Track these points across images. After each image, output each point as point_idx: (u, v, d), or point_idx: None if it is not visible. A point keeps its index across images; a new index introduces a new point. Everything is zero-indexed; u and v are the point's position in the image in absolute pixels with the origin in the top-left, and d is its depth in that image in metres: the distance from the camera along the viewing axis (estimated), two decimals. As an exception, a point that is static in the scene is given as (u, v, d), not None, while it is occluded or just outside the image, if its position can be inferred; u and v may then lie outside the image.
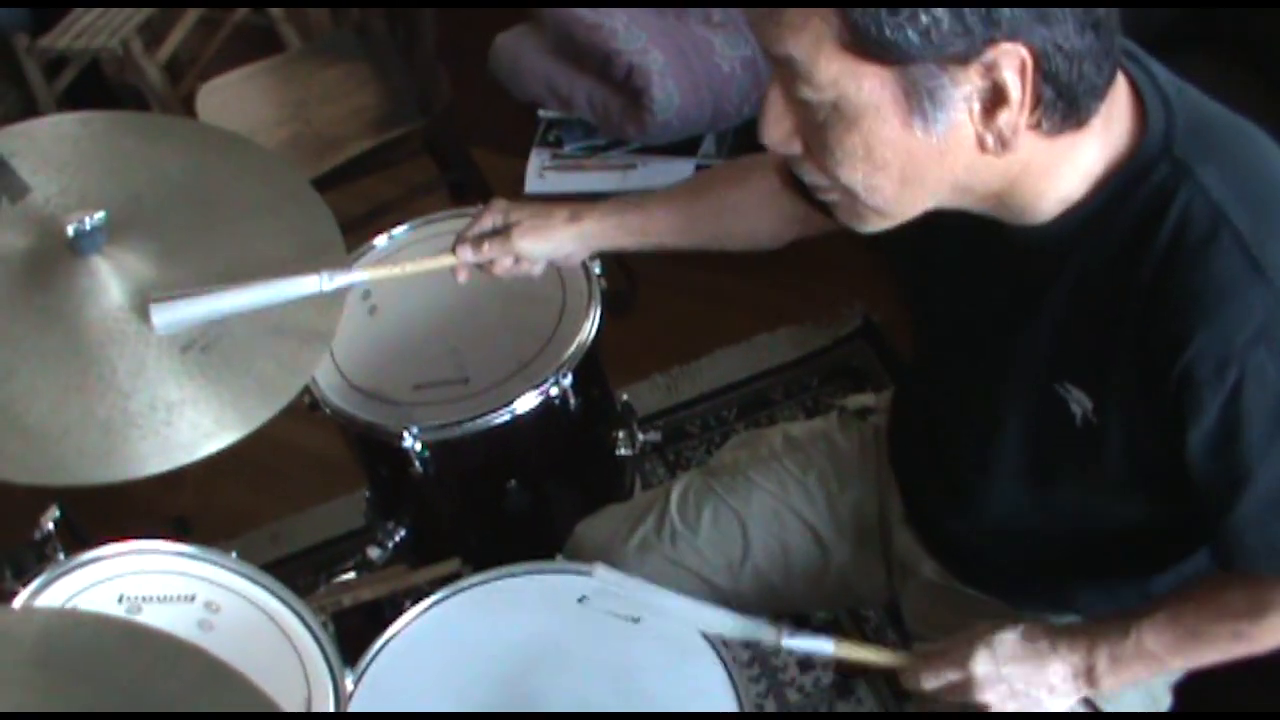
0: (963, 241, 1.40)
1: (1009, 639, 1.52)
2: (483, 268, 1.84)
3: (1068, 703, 1.54)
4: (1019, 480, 1.57)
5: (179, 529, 2.90)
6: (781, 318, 3.20)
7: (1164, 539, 1.57)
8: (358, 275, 1.77)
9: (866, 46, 1.17)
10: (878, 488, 1.89)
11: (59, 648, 1.19)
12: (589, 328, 2.05)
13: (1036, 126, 1.24)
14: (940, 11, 1.14)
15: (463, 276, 1.85)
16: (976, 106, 1.22)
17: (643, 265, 3.30)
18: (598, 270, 2.12)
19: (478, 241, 1.81)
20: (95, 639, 1.20)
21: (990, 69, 1.18)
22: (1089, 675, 1.49)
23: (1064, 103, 1.23)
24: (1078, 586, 1.66)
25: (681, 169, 3.03)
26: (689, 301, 3.29)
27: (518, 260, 1.83)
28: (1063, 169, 1.31)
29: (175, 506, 2.97)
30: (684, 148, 3.03)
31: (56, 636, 1.20)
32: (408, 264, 1.83)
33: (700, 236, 1.88)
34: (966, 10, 1.15)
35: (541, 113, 3.15)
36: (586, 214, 1.83)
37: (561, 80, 3.03)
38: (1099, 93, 1.25)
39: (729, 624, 1.64)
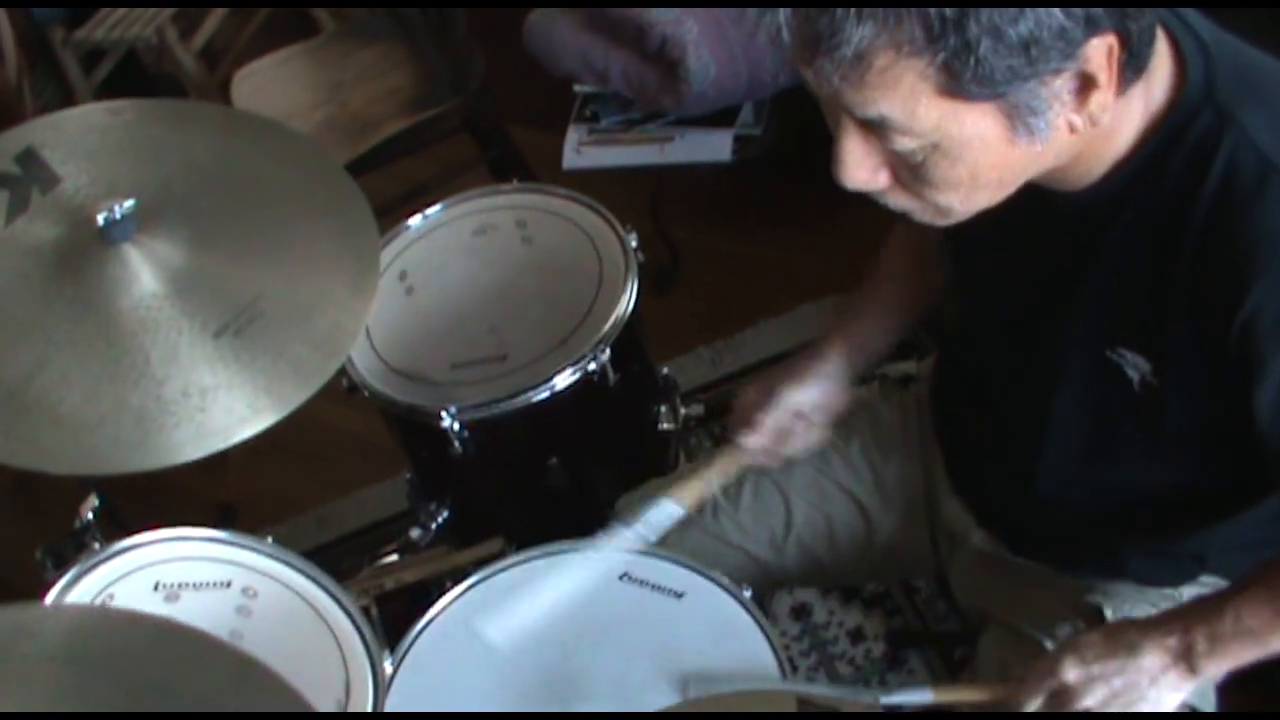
0: (1007, 211, 1.36)
1: (1094, 638, 1.47)
2: (776, 449, 1.77)
3: (1176, 696, 1.46)
4: (1075, 447, 1.55)
5: (225, 516, 2.91)
6: (825, 288, 3.16)
7: (1216, 499, 1.53)
8: (672, 509, 1.74)
9: (968, 88, 1.16)
10: (922, 457, 1.86)
11: (89, 645, 1.18)
12: (626, 301, 2.03)
13: (1119, 91, 1.23)
14: (1044, 33, 1.13)
15: (766, 460, 1.79)
16: (1069, 99, 1.21)
17: (684, 239, 3.29)
18: (634, 243, 2.10)
19: (753, 425, 1.75)
20: (125, 636, 1.20)
21: (1082, 64, 1.17)
22: (1188, 657, 1.42)
23: (1136, 61, 1.22)
24: (1129, 551, 1.63)
25: (719, 140, 3.00)
26: (732, 274, 3.27)
27: (798, 419, 1.76)
28: (1122, 126, 1.29)
29: (220, 494, 2.98)
30: (721, 118, 3.00)
31: (86, 633, 1.20)
32: (710, 473, 1.77)
33: (924, 304, 1.84)
34: (1066, 21, 1.14)
35: (577, 88, 3.13)
36: (831, 345, 1.79)
37: (596, 54, 3.00)
38: (1155, 36, 1.24)
39: (826, 693, 1.64)
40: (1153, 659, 1.43)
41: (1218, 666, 1.43)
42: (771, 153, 3.03)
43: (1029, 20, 1.12)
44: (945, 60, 1.14)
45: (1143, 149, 1.30)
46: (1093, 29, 1.15)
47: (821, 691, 1.62)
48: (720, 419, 2.96)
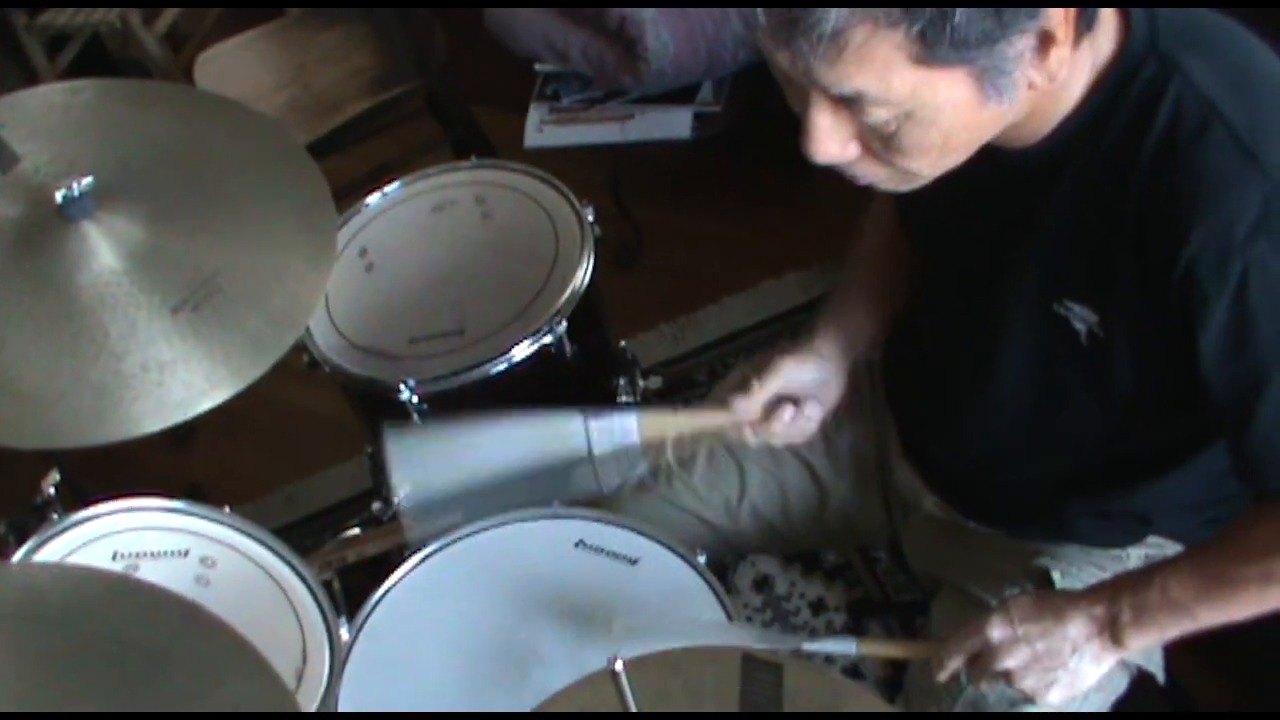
0: (957, 170, 1.37)
1: (1023, 600, 1.48)
2: (762, 425, 1.71)
3: (1098, 669, 1.47)
4: (1022, 404, 1.56)
5: (192, 495, 2.91)
6: (787, 264, 3.19)
7: (1160, 455, 1.56)
8: (633, 430, 1.67)
9: (943, 55, 1.18)
10: (874, 423, 1.88)
11: (44, 600, 1.20)
12: (582, 275, 2.04)
13: (1074, 47, 1.25)
14: None
15: (750, 437, 1.72)
16: (1030, 56, 1.22)
17: (647, 216, 3.30)
18: (590, 217, 2.12)
19: (743, 387, 1.70)
20: (79, 591, 1.22)
21: (1043, 21, 1.20)
22: (1113, 628, 1.43)
23: (1088, 15, 1.24)
24: (1076, 514, 1.66)
25: (679, 117, 3.01)
26: (695, 251, 3.29)
27: (799, 405, 1.70)
28: (1071, 81, 1.31)
29: (188, 473, 2.99)
30: (681, 95, 3.01)
31: (42, 589, 1.22)
32: (682, 416, 1.72)
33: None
34: None
35: (538, 67, 3.14)
36: (822, 324, 1.77)
37: (556, 34, 3.01)
38: None
39: (749, 636, 1.60)
40: (1077, 627, 1.44)
41: (1143, 638, 1.44)
42: (731, 129, 3.04)
43: None
44: (921, 29, 1.15)
45: (1089, 102, 1.32)
46: None
47: (746, 638, 1.58)
48: (681, 393, 3.01)
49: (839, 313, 1.78)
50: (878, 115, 1.24)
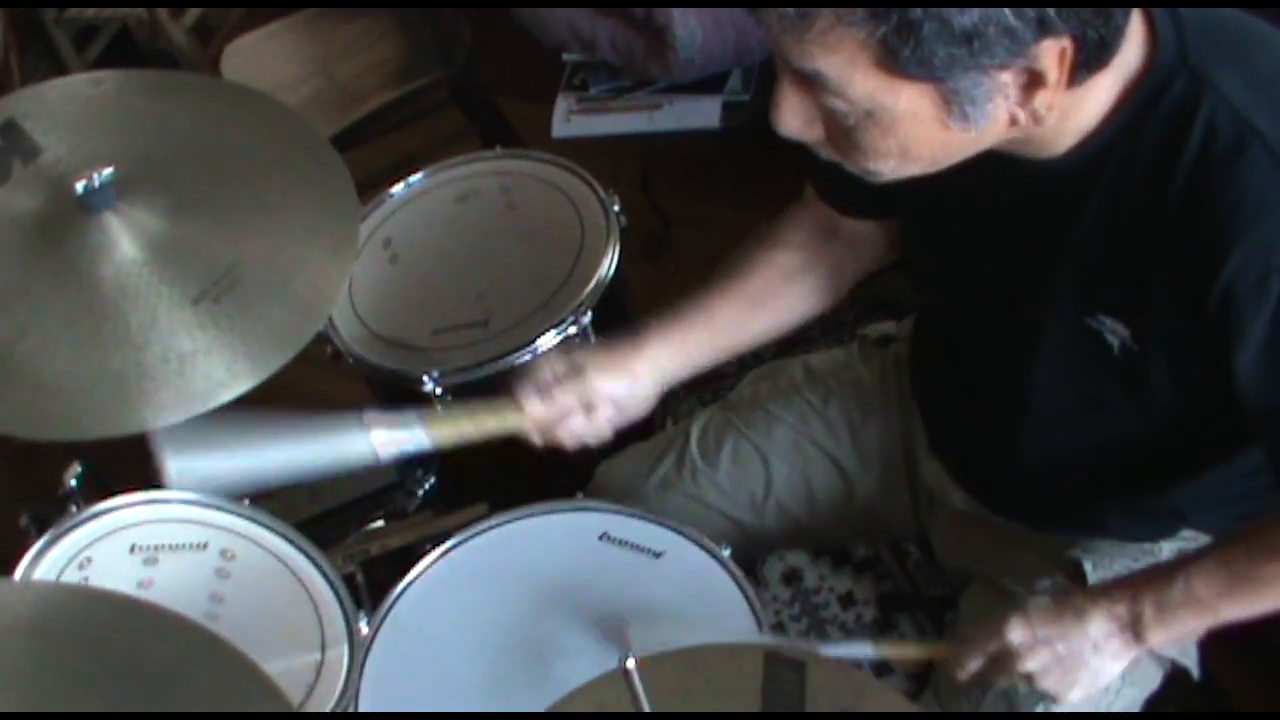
0: (976, 180, 1.36)
1: (1042, 601, 1.47)
2: (551, 430, 1.65)
3: (1117, 665, 1.46)
4: (1057, 413, 1.55)
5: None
6: (817, 254, 3.16)
7: (1195, 455, 1.54)
8: (416, 436, 1.62)
9: (906, 67, 1.16)
10: (901, 418, 1.86)
11: (57, 617, 1.20)
12: (608, 265, 2.04)
13: (1069, 87, 1.22)
14: (990, 28, 1.13)
15: (538, 439, 1.66)
16: (1013, 93, 1.21)
17: (676, 206, 3.28)
18: (616, 207, 2.10)
19: (544, 392, 1.64)
20: (92, 610, 1.22)
21: (1030, 62, 1.17)
22: (1135, 626, 1.42)
23: (1094, 58, 1.21)
24: (1109, 510, 1.64)
25: (708, 107, 2.99)
26: (723, 241, 3.24)
27: (590, 411, 1.65)
28: (1081, 107, 1.29)
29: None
30: (710, 85, 2.99)
31: (55, 607, 1.22)
32: (466, 423, 1.66)
33: (759, 328, 1.79)
34: (1015, 21, 1.13)
35: (566, 57, 3.12)
36: (648, 340, 1.71)
37: (584, 23, 3.00)
38: (1124, 30, 1.23)
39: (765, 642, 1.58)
40: (1098, 626, 1.43)
41: (1165, 635, 1.43)
42: (760, 119, 2.99)
43: (974, 13, 1.12)
44: (885, 36, 1.14)
45: (1117, 116, 1.30)
46: (1044, 32, 1.15)
47: (762, 642, 1.57)
48: (711, 385, 2.98)
49: (674, 339, 1.72)
50: (837, 104, 1.22)
